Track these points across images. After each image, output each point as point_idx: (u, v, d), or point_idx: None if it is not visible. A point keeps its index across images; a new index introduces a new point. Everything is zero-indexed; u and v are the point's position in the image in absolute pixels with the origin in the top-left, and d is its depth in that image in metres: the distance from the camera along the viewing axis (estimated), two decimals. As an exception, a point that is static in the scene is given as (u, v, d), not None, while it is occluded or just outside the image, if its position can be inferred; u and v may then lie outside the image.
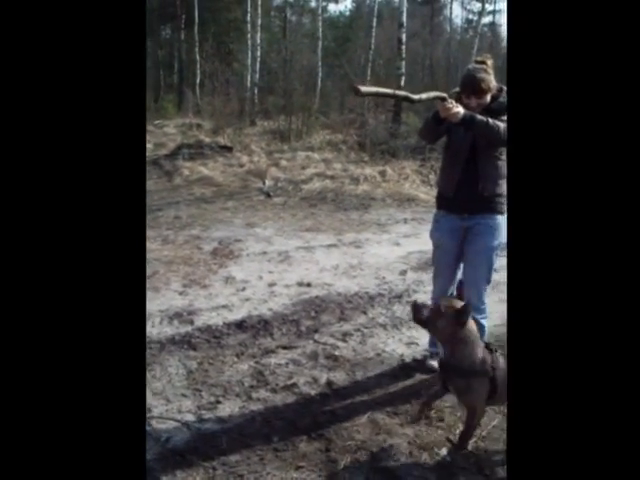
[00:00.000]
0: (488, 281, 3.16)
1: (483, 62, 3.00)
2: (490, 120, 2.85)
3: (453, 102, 2.84)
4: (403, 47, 13.40)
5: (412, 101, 2.84)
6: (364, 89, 2.53)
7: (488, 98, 2.98)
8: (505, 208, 3.02)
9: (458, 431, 2.72)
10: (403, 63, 13.42)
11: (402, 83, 13.20)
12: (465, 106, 2.93)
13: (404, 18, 13.40)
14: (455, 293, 3.04)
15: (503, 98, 2.97)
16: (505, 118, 2.85)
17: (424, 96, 2.88)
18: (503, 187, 3.02)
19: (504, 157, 2.98)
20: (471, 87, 2.95)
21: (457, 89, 3.09)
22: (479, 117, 2.85)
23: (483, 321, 3.17)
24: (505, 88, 2.98)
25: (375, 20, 18.87)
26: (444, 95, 2.86)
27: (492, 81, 2.96)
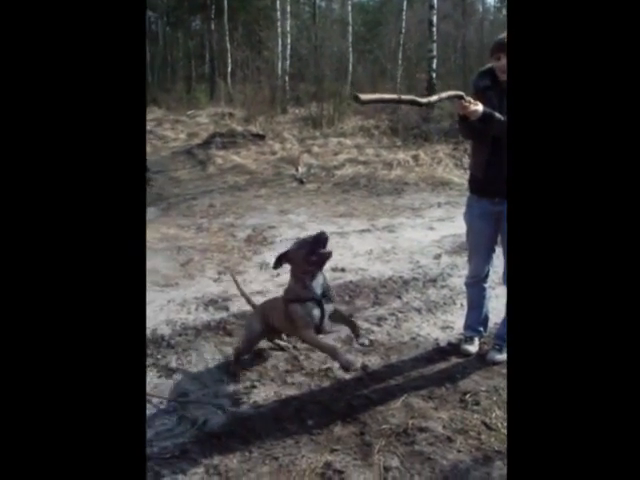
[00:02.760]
0: None
1: None
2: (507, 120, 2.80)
3: (471, 100, 2.79)
4: (434, 29, 13.20)
5: (420, 104, 2.75)
6: (364, 97, 2.46)
7: None
8: None
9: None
10: (435, 45, 13.24)
11: (434, 66, 13.05)
12: (497, 69, 2.95)
13: (435, 0, 13.19)
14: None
15: None
16: None
17: (435, 98, 2.80)
18: None
19: None
20: (502, 45, 2.85)
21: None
22: (497, 116, 2.81)
23: None
24: None
25: (405, 3, 18.61)
26: (461, 93, 2.80)
27: None
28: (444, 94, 2.83)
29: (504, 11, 27.34)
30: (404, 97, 2.71)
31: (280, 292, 4.31)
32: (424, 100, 2.72)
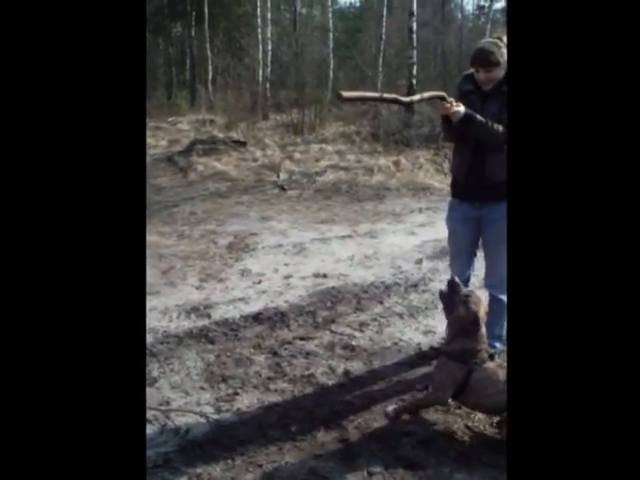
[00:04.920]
0: None
1: (499, 38, 2.96)
2: (489, 123, 2.84)
3: (453, 101, 2.82)
4: (414, 36, 13.25)
5: (403, 104, 2.77)
6: (346, 94, 2.47)
7: (500, 73, 2.91)
8: None
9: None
10: (414, 52, 13.29)
11: (414, 72, 13.12)
12: (477, 80, 2.94)
13: (414, 7, 13.24)
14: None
15: None
16: None
17: (417, 97, 2.82)
18: None
19: None
20: (478, 59, 2.90)
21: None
22: (479, 118, 2.84)
23: None
24: None
25: (385, 10, 18.68)
26: (443, 94, 2.83)
27: (503, 55, 2.87)
28: (426, 94, 2.85)
29: (482, 18, 27.62)
30: (386, 95, 2.74)
31: (263, 299, 4.33)
32: (406, 99, 2.74)
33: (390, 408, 2.75)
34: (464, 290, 2.70)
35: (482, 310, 2.64)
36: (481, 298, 2.72)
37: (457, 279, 2.73)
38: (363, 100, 2.68)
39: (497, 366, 2.58)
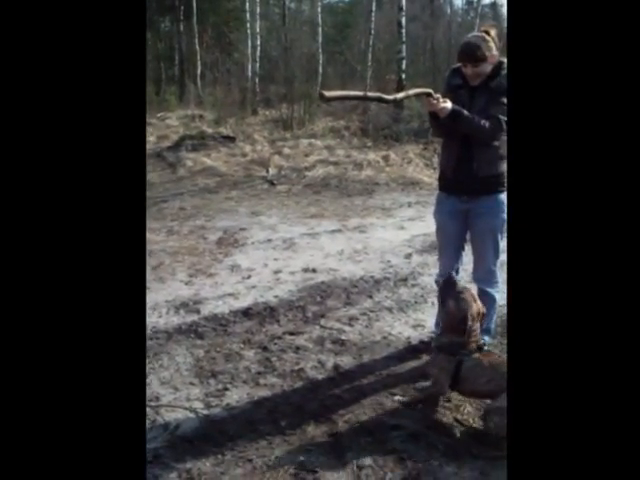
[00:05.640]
0: (496, 257, 3.16)
1: (486, 32, 2.94)
2: (476, 118, 2.84)
3: (440, 97, 2.81)
4: (403, 31, 13.28)
5: (387, 101, 2.76)
6: (328, 94, 2.47)
7: (487, 67, 2.91)
8: (504, 187, 3.00)
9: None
10: (404, 47, 13.32)
11: (403, 67, 13.14)
12: (465, 75, 2.94)
13: (403, 1, 13.25)
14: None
15: (502, 74, 2.91)
16: (503, 100, 2.81)
17: (401, 94, 2.81)
18: (500, 167, 2.99)
19: (502, 138, 2.94)
20: (465, 54, 2.89)
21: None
22: (466, 114, 2.84)
23: (497, 295, 3.20)
24: (505, 61, 2.91)
25: (374, 4, 18.63)
26: (429, 91, 2.82)
27: (491, 49, 2.88)
28: (411, 91, 2.85)
29: (471, 13, 27.61)
30: (370, 94, 2.73)
31: (252, 294, 4.33)
32: (390, 97, 2.74)
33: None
34: (459, 286, 2.71)
35: (475, 307, 2.65)
36: (475, 295, 2.73)
37: (455, 275, 2.75)
38: (346, 99, 2.66)
39: (483, 355, 2.62)
